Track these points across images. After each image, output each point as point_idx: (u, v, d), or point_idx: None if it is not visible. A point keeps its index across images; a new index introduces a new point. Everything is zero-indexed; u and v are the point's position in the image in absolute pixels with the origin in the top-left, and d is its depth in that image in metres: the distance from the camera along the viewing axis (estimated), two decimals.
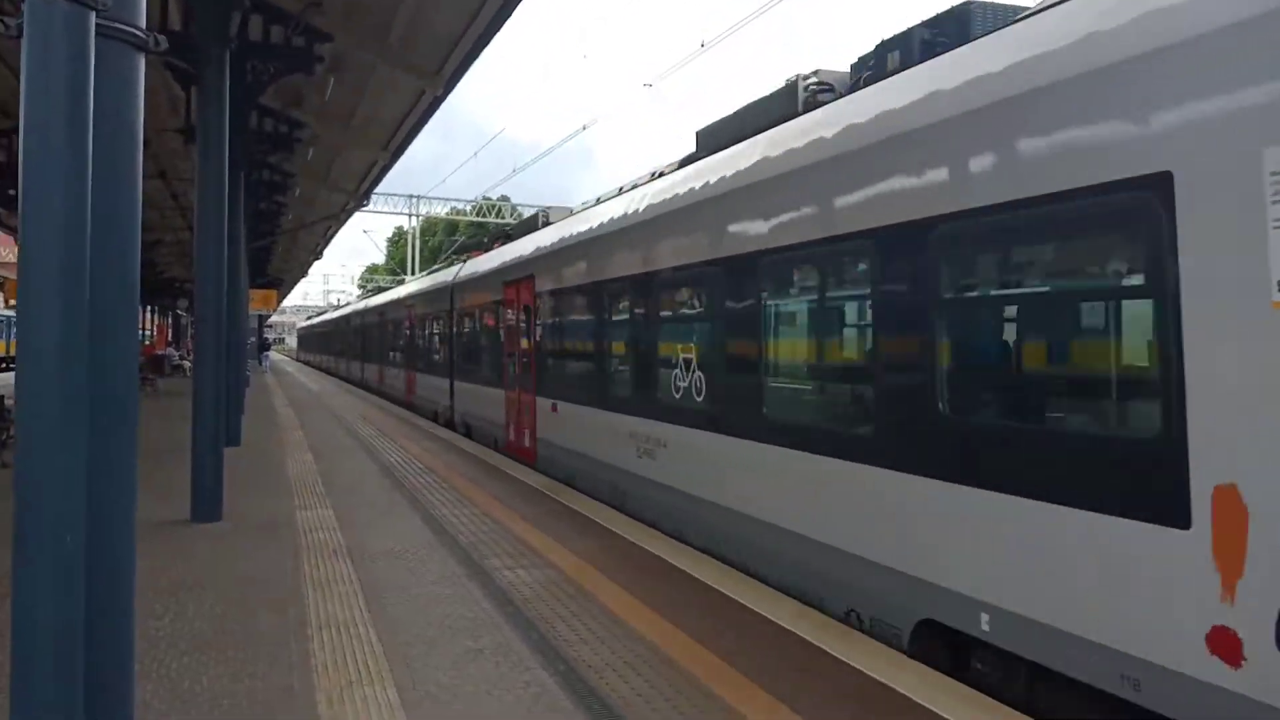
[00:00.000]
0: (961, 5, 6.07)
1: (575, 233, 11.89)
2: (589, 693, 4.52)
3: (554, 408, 12.13)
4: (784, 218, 6.70)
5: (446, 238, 72.66)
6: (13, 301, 30.05)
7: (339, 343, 46.80)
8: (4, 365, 41.09)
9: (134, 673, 3.69)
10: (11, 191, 20.03)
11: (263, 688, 4.57)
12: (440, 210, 60.06)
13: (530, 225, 15.99)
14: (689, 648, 5.18)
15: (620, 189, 11.69)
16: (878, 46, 6.61)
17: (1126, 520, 3.98)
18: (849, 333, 6.58)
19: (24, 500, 3.05)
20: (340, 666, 4.85)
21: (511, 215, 58.75)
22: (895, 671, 4.76)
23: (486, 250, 19.99)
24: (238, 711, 4.28)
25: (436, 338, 21.85)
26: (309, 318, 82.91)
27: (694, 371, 8.11)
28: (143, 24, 3.49)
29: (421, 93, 15.74)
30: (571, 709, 4.33)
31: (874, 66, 6.61)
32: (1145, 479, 3.94)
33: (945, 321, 5.24)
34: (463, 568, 6.97)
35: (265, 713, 4.27)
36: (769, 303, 7.09)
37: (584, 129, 25.49)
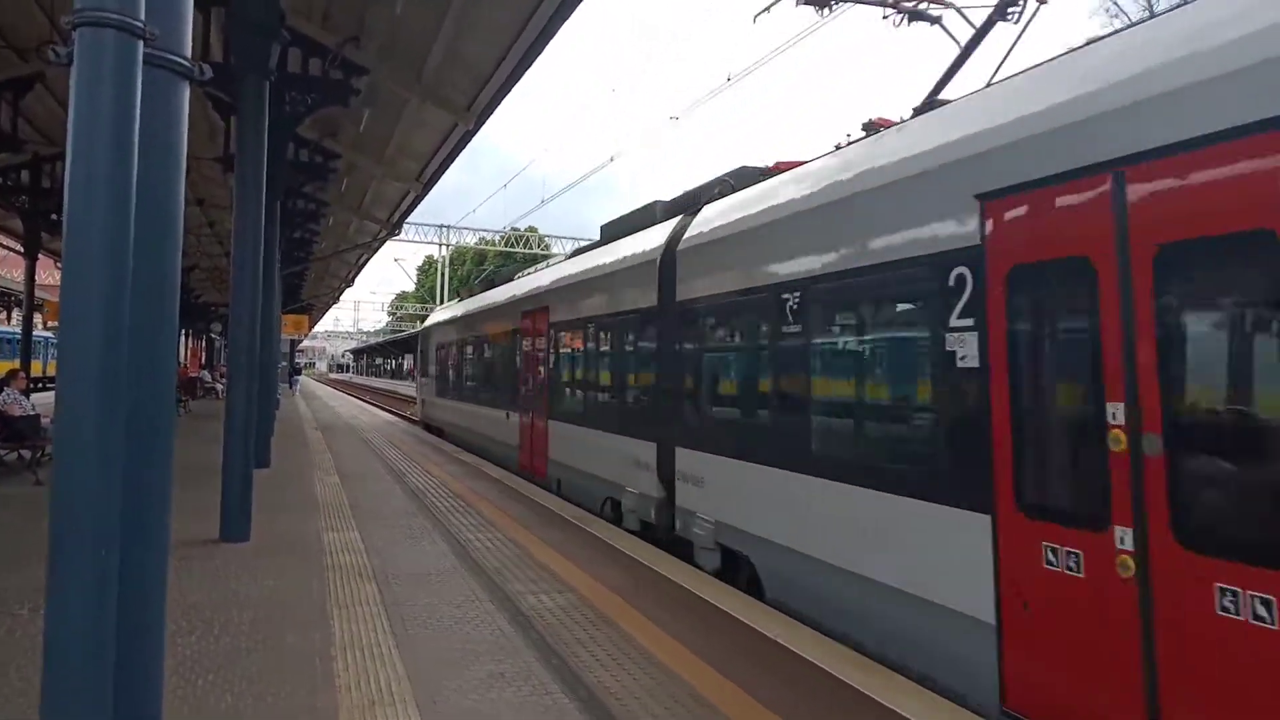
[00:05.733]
0: None
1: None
2: (609, 718, 4.52)
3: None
4: None
5: (475, 267, 73.59)
6: (52, 323, 30.69)
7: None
8: (41, 385, 41.73)
9: (162, 689, 3.73)
10: (54, 216, 20.53)
11: (286, 707, 4.59)
12: (469, 240, 60.93)
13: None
14: (711, 677, 5.15)
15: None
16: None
17: None
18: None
19: (60, 516, 3.10)
20: (364, 687, 4.86)
21: (539, 245, 59.38)
22: (923, 708, 4.71)
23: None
24: None
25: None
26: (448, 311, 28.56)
27: None
28: (189, 54, 3.61)
29: (453, 126, 16.03)
30: None
31: None
32: None
33: None
34: (486, 592, 6.99)
35: None
36: None
37: (611, 160, 25.53)
